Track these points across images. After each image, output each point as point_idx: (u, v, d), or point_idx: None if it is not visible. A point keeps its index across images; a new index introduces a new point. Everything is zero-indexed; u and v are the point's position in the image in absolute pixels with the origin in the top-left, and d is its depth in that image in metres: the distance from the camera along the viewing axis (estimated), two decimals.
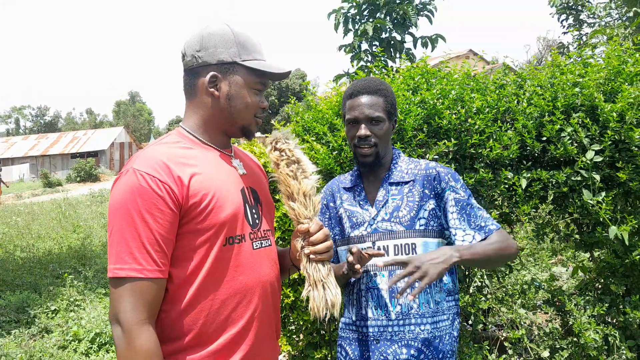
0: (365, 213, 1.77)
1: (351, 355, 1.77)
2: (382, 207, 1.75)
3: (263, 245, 1.47)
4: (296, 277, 2.64)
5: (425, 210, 1.73)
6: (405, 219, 1.72)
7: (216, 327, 1.34)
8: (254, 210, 1.47)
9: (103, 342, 4.41)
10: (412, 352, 1.66)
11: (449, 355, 1.72)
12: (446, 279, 1.74)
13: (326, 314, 1.42)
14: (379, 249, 1.72)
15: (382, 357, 1.69)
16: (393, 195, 1.76)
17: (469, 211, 1.71)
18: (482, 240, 1.68)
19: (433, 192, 1.74)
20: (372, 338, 1.71)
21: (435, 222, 1.73)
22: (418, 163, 1.81)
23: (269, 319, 1.47)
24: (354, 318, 1.77)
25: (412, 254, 1.69)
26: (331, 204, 1.88)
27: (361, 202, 1.80)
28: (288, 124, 2.90)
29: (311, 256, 1.46)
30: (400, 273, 1.46)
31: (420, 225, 1.72)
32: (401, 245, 1.71)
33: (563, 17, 9.54)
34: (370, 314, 1.72)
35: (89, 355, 4.27)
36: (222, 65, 1.42)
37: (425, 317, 1.69)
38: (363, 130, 1.72)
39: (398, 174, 1.78)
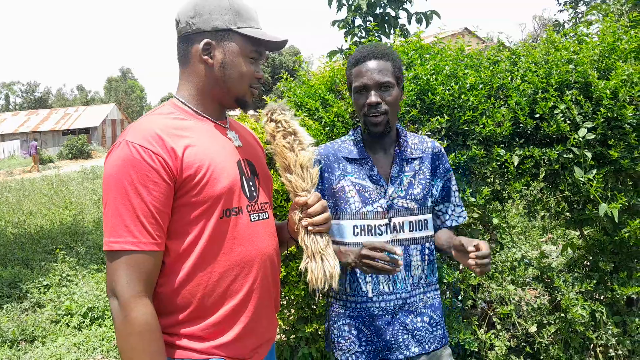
0: (380, 189, 1.74)
1: (366, 332, 1.75)
2: (399, 184, 1.75)
3: (261, 218, 1.46)
4: (287, 252, 2.64)
5: (433, 186, 1.82)
6: (419, 197, 1.76)
7: (215, 300, 1.34)
8: (250, 183, 1.46)
9: (95, 316, 4.44)
10: (425, 319, 1.77)
11: (442, 318, 1.86)
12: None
13: (324, 285, 1.43)
14: (395, 230, 1.74)
15: (401, 328, 1.74)
16: (406, 172, 1.77)
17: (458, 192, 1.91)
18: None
19: (435, 170, 1.82)
20: (390, 311, 1.73)
21: (430, 199, 1.83)
22: (422, 139, 1.83)
23: (268, 291, 1.47)
24: (370, 295, 1.74)
25: (424, 229, 1.78)
26: (326, 174, 1.78)
27: (374, 177, 1.75)
28: (279, 99, 2.87)
29: (309, 228, 1.45)
30: (485, 254, 1.47)
31: (431, 202, 1.82)
32: (415, 221, 1.77)
33: None
34: (387, 289, 1.73)
35: (82, 329, 4.29)
36: (217, 33, 1.38)
37: (431, 285, 1.81)
38: (373, 97, 1.65)
39: (409, 150, 1.78)
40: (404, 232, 1.73)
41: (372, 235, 1.72)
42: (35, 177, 18.38)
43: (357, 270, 1.75)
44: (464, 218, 1.89)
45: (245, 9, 1.42)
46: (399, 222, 1.73)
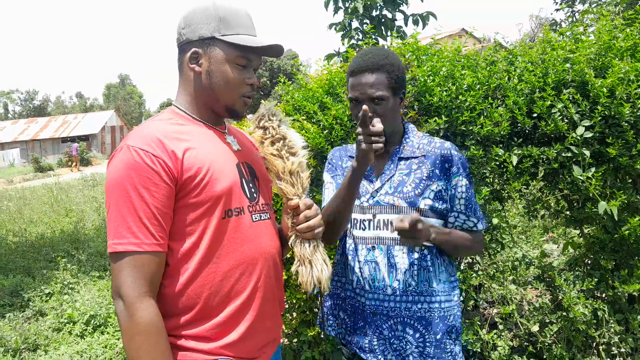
0: (369, 184, 1.74)
1: (347, 322, 1.78)
2: (388, 180, 1.72)
3: (262, 218, 1.48)
4: (288, 256, 2.64)
5: (432, 190, 1.69)
6: (409, 195, 1.69)
7: (220, 300, 1.36)
8: (251, 185, 1.48)
9: (98, 323, 4.43)
10: (407, 329, 1.66)
11: (452, 333, 1.70)
12: (448, 258, 1.76)
13: (314, 288, 1.44)
14: (379, 227, 1.71)
15: (377, 331, 1.69)
16: (400, 170, 1.73)
17: (474, 201, 1.74)
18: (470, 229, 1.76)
19: (443, 174, 1.70)
20: (368, 311, 1.71)
21: (440, 204, 1.70)
22: (432, 140, 1.77)
23: (272, 290, 1.48)
24: (354, 285, 1.75)
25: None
26: (339, 162, 1.86)
27: (366, 173, 1.74)
28: (279, 103, 2.87)
29: (299, 233, 1.47)
30: (400, 226, 1.45)
31: (425, 205, 1.68)
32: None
33: None
34: (367, 287, 1.71)
35: (84, 336, 4.29)
36: (203, 41, 1.41)
37: (424, 295, 1.67)
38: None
39: (409, 149, 1.75)
40: (387, 229, 1.69)
41: (356, 228, 1.74)
42: (35, 185, 18.38)
43: (349, 256, 1.78)
44: (470, 227, 1.75)
45: (233, 15, 1.43)
46: (383, 219, 1.70)
